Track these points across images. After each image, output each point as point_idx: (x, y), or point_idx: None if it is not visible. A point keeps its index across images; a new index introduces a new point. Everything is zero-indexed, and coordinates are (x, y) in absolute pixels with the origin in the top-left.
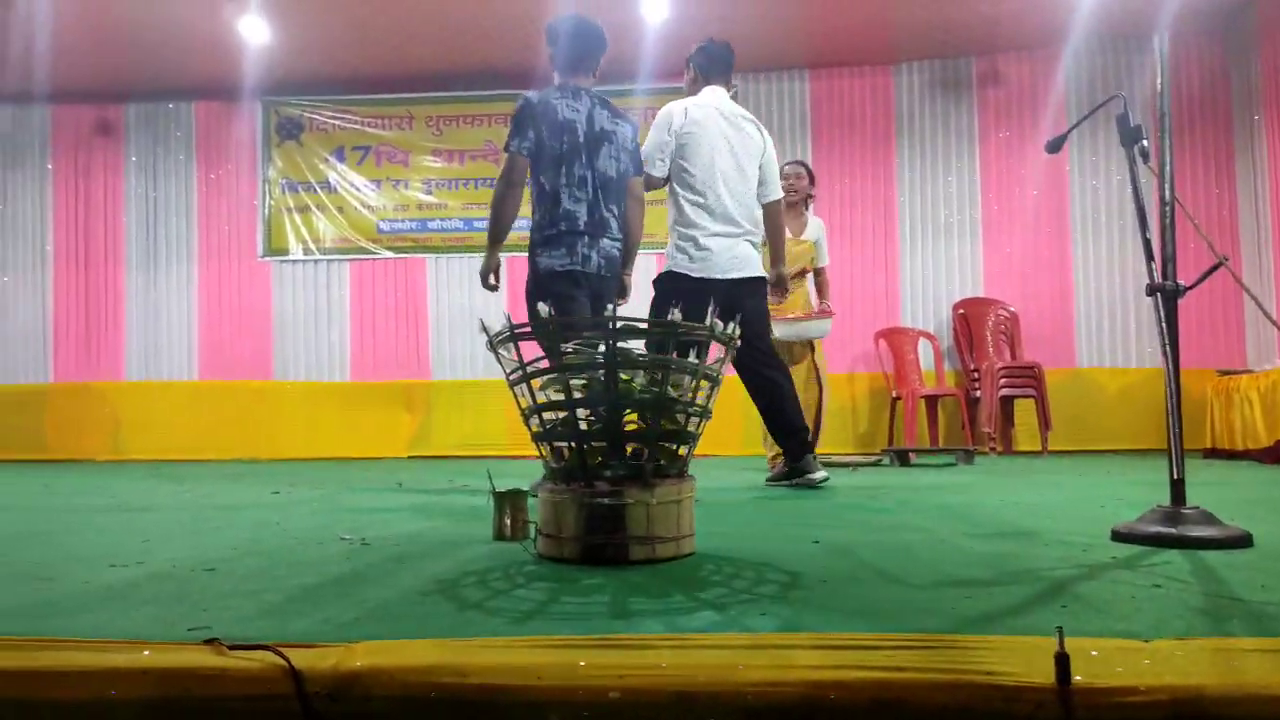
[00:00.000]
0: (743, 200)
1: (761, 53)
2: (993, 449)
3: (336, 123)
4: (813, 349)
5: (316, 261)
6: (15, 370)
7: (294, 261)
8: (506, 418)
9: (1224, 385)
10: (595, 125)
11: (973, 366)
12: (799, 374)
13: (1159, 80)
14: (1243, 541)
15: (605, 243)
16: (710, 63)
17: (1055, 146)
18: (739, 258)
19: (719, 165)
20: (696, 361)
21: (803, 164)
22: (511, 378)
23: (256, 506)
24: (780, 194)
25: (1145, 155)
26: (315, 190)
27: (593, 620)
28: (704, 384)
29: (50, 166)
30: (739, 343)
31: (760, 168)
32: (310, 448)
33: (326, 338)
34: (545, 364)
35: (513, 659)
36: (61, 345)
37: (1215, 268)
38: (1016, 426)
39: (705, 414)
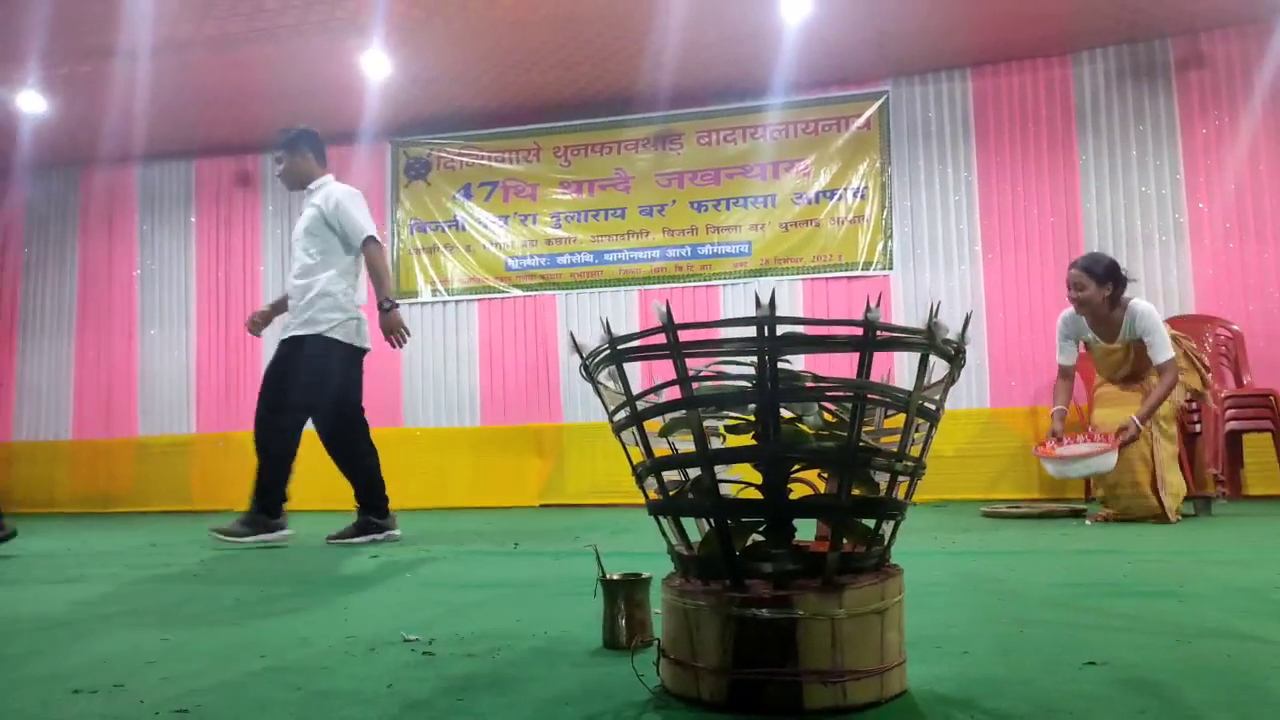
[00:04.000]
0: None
1: (914, 54)
2: (1221, 494)
3: (463, 159)
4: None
5: (445, 303)
6: (162, 422)
7: (423, 304)
8: None
9: None
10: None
11: (1189, 397)
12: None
13: None
14: None
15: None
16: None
17: None
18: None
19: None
20: (905, 390)
21: (1082, 267)
22: (617, 419)
23: (341, 582)
24: (361, 234)
25: None
26: (443, 230)
27: None
28: (920, 423)
29: (193, 220)
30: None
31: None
32: (440, 496)
33: (456, 381)
34: (667, 396)
35: None
36: (204, 395)
37: None
38: (1247, 466)
39: (918, 470)
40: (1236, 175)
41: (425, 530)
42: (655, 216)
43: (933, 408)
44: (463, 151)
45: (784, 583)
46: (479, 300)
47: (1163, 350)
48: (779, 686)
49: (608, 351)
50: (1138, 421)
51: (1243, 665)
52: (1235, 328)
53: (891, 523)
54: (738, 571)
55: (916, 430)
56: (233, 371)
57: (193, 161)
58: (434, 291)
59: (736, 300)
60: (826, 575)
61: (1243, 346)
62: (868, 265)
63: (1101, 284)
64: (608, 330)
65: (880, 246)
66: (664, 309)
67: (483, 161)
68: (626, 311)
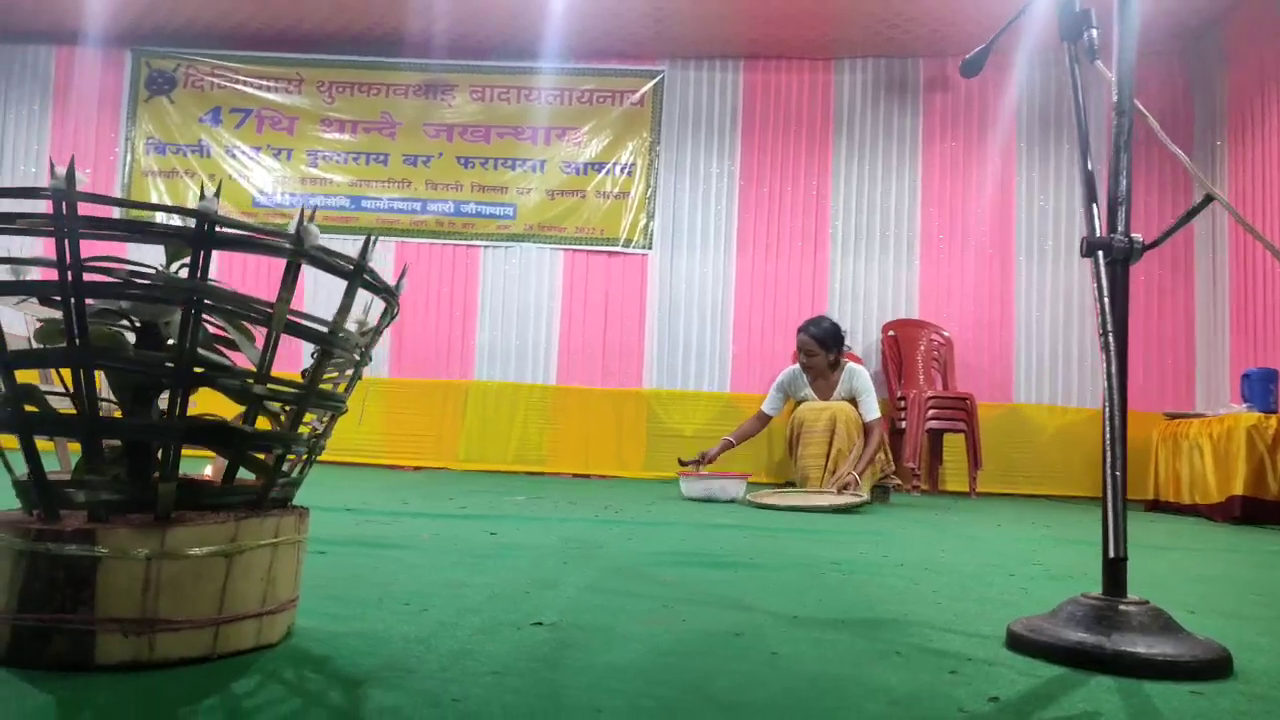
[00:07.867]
0: None
1: (690, 37)
2: (916, 487)
3: (215, 80)
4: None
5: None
6: None
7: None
8: (382, 423)
9: (1171, 430)
10: None
11: (900, 394)
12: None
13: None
14: (1217, 667)
15: None
16: None
17: (972, 67)
18: None
19: None
20: (265, 302)
21: (812, 334)
22: None
23: None
24: None
25: (1093, 53)
26: (185, 154)
27: None
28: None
29: None
30: (397, 308)
31: None
32: None
33: None
34: None
35: None
36: None
37: (1203, 205)
38: (945, 464)
39: (308, 399)
40: (964, 195)
41: None
42: (420, 167)
43: (319, 329)
44: (215, 71)
45: (102, 516)
46: None
47: (873, 410)
48: (67, 636)
49: None
50: (857, 476)
51: (693, 634)
52: (947, 334)
53: (280, 455)
54: (50, 500)
55: (352, 369)
56: None
57: None
58: (168, 220)
59: (497, 263)
60: (160, 510)
61: (952, 352)
62: (628, 243)
63: (829, 350)
64: None
65: (642, 225)
66: None
67: (237, 86)
68: (382, 264)
